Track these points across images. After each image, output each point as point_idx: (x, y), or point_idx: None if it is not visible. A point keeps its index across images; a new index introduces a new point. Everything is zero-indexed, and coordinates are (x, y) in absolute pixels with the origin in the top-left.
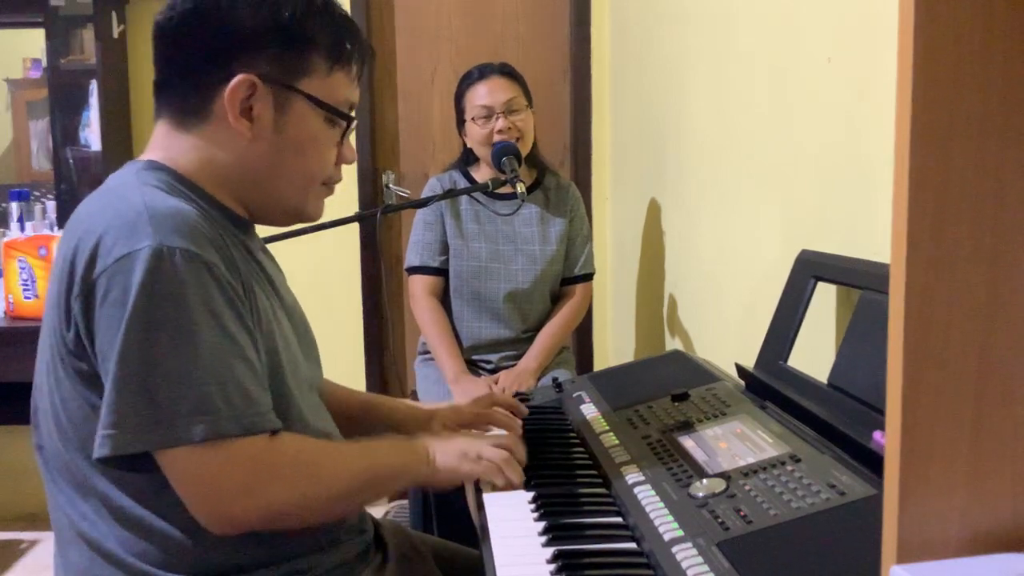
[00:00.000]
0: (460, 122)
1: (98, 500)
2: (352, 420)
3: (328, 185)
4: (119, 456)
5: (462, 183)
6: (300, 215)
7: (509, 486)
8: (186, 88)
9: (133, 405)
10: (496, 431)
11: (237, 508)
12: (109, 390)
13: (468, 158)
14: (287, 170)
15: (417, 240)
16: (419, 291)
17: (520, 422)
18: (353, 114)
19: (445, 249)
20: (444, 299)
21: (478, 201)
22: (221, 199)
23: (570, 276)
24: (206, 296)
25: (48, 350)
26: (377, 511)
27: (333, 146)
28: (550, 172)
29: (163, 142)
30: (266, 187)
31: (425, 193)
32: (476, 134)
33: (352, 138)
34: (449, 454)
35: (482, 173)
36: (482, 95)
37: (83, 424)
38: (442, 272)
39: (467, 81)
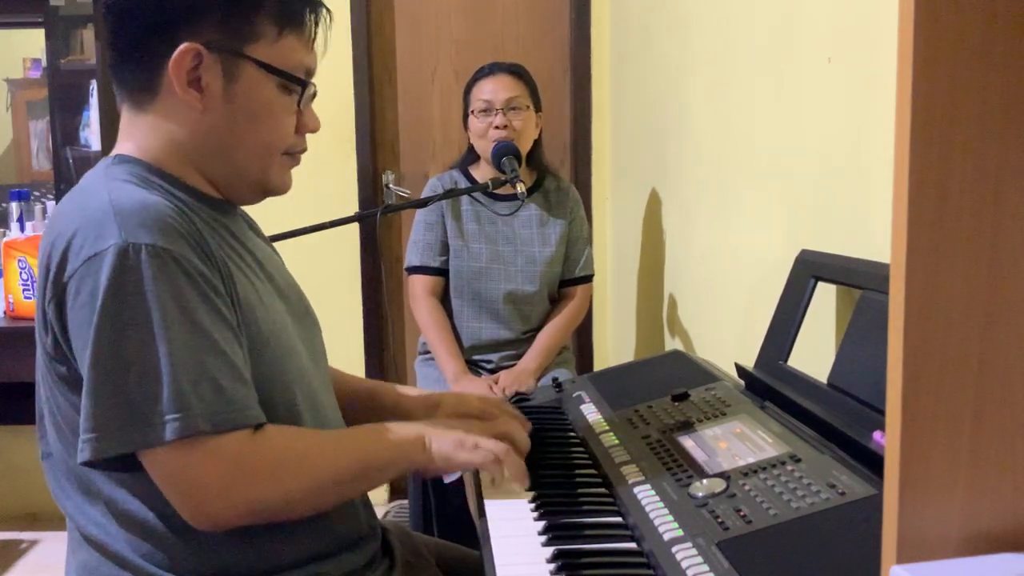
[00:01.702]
0: (466, 115)
1: (104, 504)
2: (358, 407)
3: (292, 155)
4: (108, 459)
5: (463, 183)
6: (265, 188)
7: (511, 480)
8: (135, 65)
9: (108, 408)
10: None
11: (218, 506)
12: (85, 394)
13: (470, 156)
14: (243, 140)
15: (417, 240)
16: (419, 291)
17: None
18: (312, 79)
19: (445, 249)
20: (444, 299)
21: (478, 202)
22: (192, 182)
23: (570, 278)
24: (175, 291)
25: (40, 357)
26: (377, 511)
27: (291, 114)
28: (551, 175)
29: (127, 129)
30: (226, 160)
31: (425, 193)
32: (475, 127)
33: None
34: (445, 442)
35: (482, 172)
36: (486, 90)
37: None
38: (442, 272)
39: (476, 75)
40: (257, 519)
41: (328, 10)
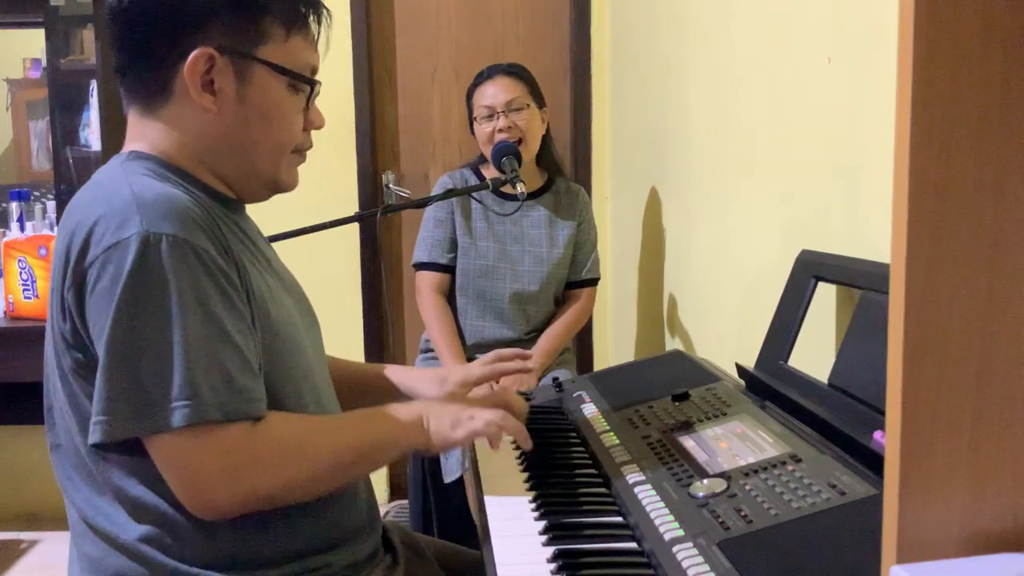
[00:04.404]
0: (471, 122)
1: (113, 494)
2: (363, 391)
3: (300, 153)
4: (118, 443)
5: (473, 181)
6: (276, 185)
7: (517, 440)
8: (146, 70)
9: (121, 392)
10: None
11: (219, 495)
12: (99, 377)
13: (484, 156)
14: (256, 140)
15: (426, 236)
16: (426, 287)
17: (531, 367)
18: (316, 78)
19: (454, 246)
20: (449, 296)
21: (484, 203)
22: (206, 180)
23: (576, 280)
24: (193, 282)
25: (53, 346)
26: None
27: (299, 112)
28: (562, 176)
29: (137, 131)
30: (239, 159)
31: (436, 190)
32: (480, 133)
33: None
34: (443, 420)
35: (492, 172)
36: (486, 95)
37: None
38: (449, 269)
39: (475, 81)
40: (259, 506)
41: (328, 10)
